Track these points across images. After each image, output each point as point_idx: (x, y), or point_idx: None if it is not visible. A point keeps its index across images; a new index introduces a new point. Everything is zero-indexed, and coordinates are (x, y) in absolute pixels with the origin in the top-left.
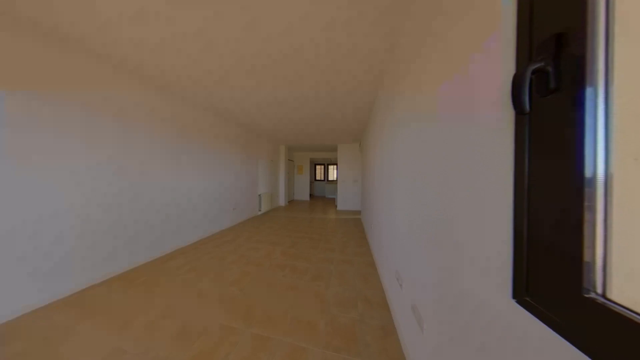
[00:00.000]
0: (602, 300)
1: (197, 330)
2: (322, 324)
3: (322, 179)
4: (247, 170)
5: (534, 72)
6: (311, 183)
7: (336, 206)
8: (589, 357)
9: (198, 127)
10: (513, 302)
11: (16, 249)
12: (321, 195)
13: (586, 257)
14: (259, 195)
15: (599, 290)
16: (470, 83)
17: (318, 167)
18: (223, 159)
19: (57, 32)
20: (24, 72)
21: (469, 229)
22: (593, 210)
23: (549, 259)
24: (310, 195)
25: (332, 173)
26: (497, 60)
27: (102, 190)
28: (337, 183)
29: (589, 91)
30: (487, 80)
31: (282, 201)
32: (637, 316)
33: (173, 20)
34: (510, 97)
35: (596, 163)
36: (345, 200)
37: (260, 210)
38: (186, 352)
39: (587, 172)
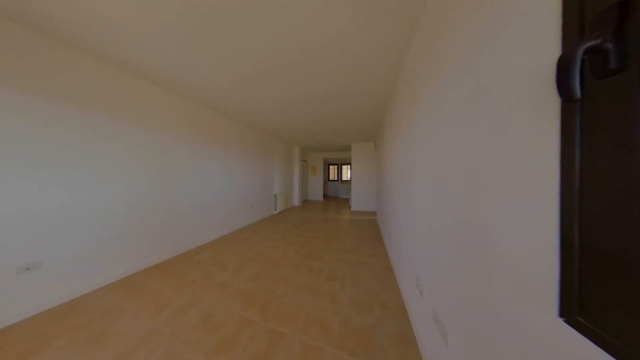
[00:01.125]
0: None
1: (220, 318)
2: (337, 325)
3: (336, 179)
4: (263, 171)
5: (585, 51)
6: (325, 183)
7: (350, 206)
8: None
9: (219, 131)
10: (560, 322)
11: (86, 232)
12: (334, 196)
13: None
14: (275, 195)
15: None
16: (500, 69)
17: (331, 167)
18: (242, 161)
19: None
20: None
21: (503, 234)
22: None
23: (611, 273)
24: (324, 195)
25: (346, 173)
26: (535, 41)
27: (146, 191)
28: (350, 183)
29: None
30: (522, 65)
31: (296, 201)
32: None
33: (195, 32)
34: (554, 82)
35: None
36: (360, 200)
37: (275, 210)
38: (211, 339)
39: None
